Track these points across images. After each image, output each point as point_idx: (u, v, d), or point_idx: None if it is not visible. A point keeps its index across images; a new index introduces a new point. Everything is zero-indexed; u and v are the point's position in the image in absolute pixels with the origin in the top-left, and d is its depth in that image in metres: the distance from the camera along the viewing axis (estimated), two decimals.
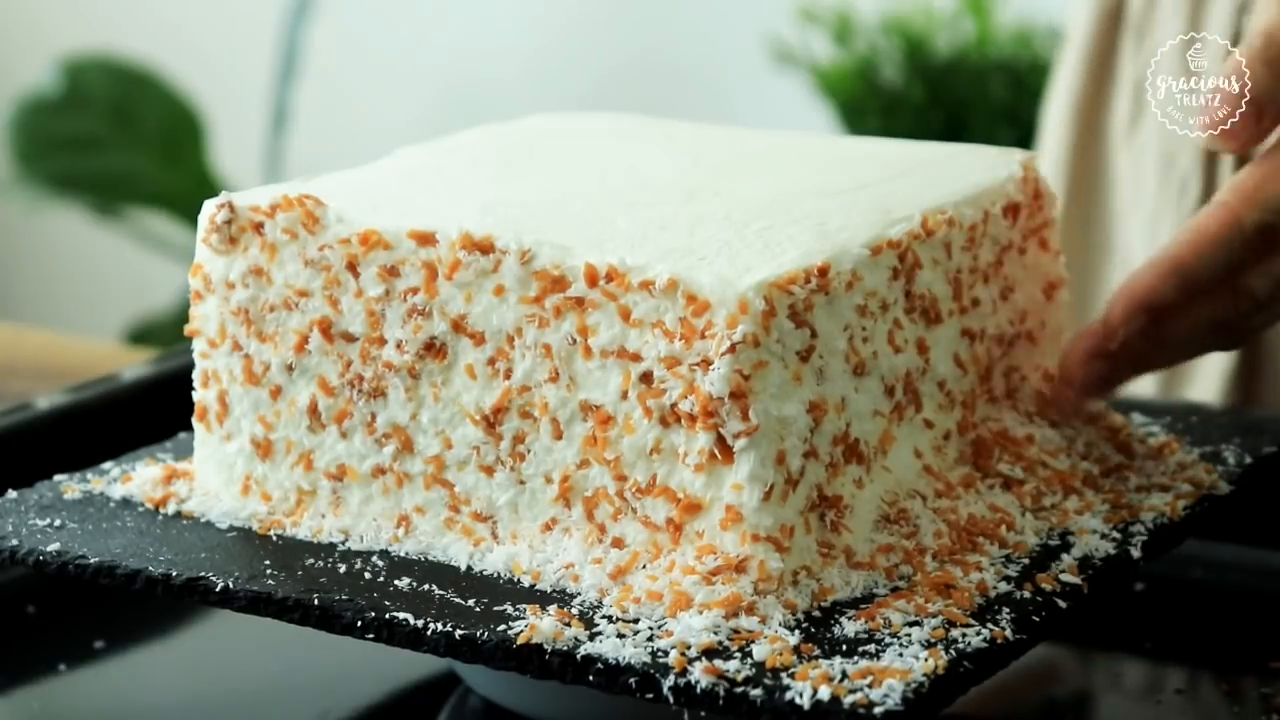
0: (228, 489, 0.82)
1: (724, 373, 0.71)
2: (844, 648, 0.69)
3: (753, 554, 0.72)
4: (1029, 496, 0.79)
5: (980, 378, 0.83)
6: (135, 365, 1.09)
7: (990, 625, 0.70)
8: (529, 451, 0.76)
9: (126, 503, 0.82)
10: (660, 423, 0.73)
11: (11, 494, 0.83)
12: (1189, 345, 0.83)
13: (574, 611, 0.72)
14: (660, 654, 0.68)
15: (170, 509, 0.82)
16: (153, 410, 0.97)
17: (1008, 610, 0.72)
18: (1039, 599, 0.73)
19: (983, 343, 0.83)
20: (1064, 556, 0.76)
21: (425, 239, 0.77)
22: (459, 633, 0.71)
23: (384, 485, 0.79)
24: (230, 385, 0.82)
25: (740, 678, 0.67)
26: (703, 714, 0.69)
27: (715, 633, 0.69)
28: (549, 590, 0.74)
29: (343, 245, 0.78)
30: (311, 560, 0.77)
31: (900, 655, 0.68)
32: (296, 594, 0.74)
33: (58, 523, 0.80)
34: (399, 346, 0.78)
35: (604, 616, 0.71)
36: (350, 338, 0.79)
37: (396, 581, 0.75)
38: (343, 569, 0.76)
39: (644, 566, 0.73)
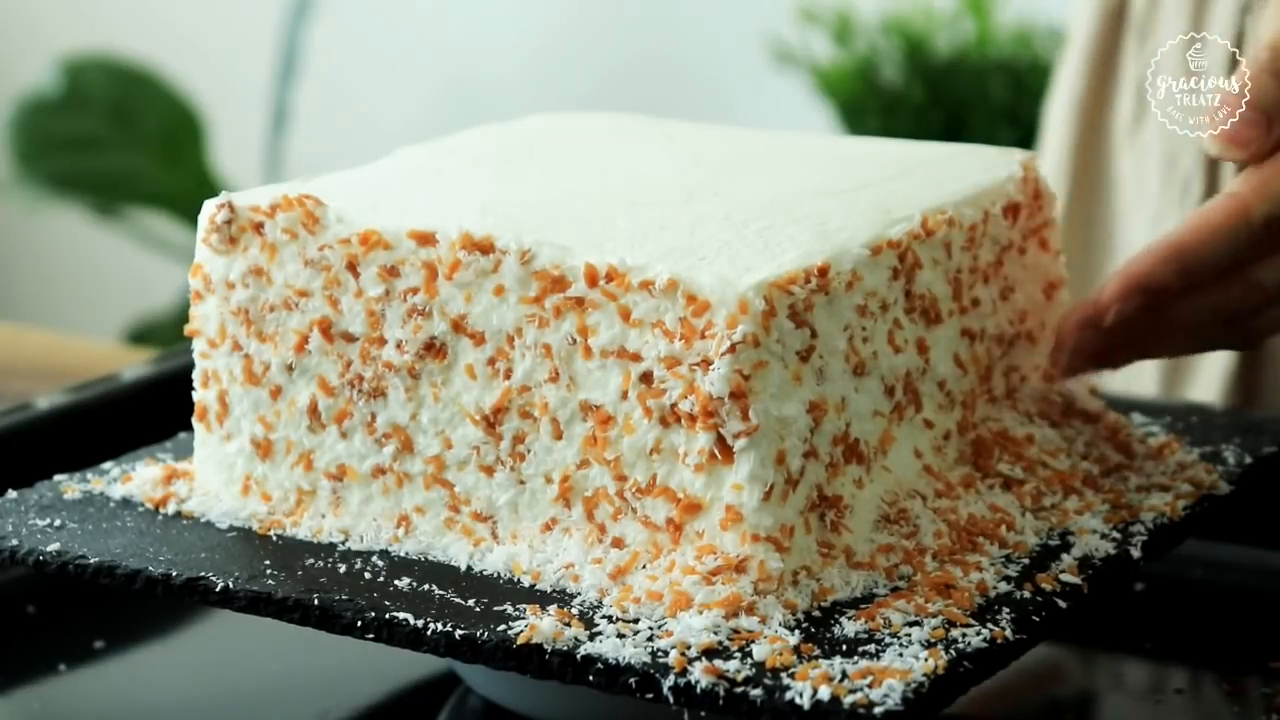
0: (228, 489, 0.82)
1: (724, 373, 0.71)
2: (844, 648, 0.69)
3: (753, 554, 0.72)
4: (1029, 496, 0.79)
5: (980, 378, 0.83)
6: (135, 365, 1.09)
7: (990, 625, 0.70)
8: (529, 451, 0.76)
9: (126, 503, 0.82)
10: (660, 423, 0.73)
11: (11, 494, 0.83)
12: (1195, 336, 0.83)
13: (574, 611, 0.72)
14: (660, 654, 0.68)
15: (170, 509, 0.82)
16: (153, 410, 0.97)
17: (1008, 610, 0.72)
18: (1039, 599, 0.73)
19: (983, 343, 0.83)
20: (1064, 556, 0.76)
21: (425, 239, 0.77)
22: (459, 633, 0.71)
23: (384, 485, 0.79)
24: (230, 385, 0.82)
25: (740, 678, 0.67)
26: (703, 714, 0.69)
27: (715, 633, 0.69)
28: (549, 590, 0.74)
29: (343, 245, 0.78)
30: (311, 560, 0.77)
31: (900, 655, 0.68)
32: (296, 594, 0.74)
33: (58, 523, 0.80)
34: (399, 346, 0.78)
35: (604, 616, 0.71)
36: (350, 338, 0.79)
37: (396, 581, 0.75)
38: (343, 569, 0.76)
39: (644, 566, 0.73)
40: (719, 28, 2.65)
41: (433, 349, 0.77)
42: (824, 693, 0.66)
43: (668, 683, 0.67)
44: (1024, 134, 2.11)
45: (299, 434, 0.80)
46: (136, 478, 0.83)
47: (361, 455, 0.79)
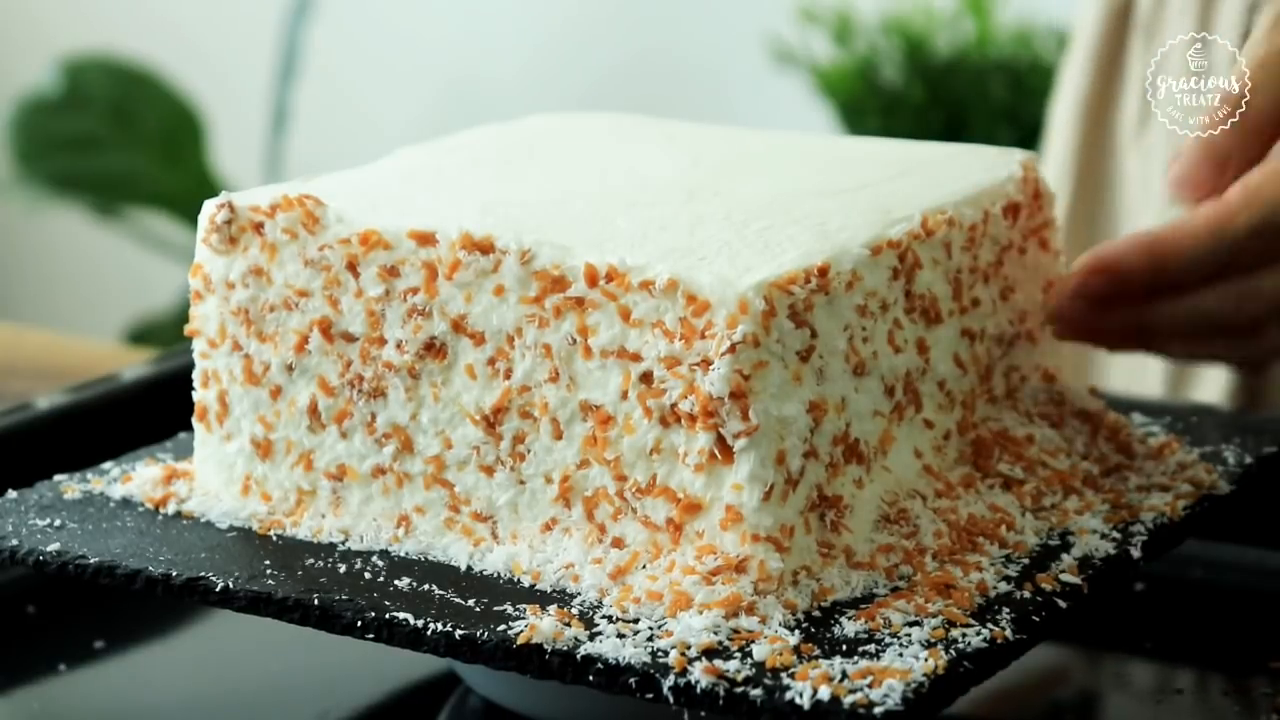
0: (228, 489, 0.82)
1: (724, 373, 0.71)
2: (844, 648, 0.69)
3: (753, 554, 0.72)
4: (1029, 496, 0.79)
5: (980, 378, 0.83)
6: (135, 365, 1.09)
7: (990, 625, 0.70)
8: (529, 451, 0.76)
9: (126, 503, 0.82)
10: (660, 423, 0.73)
11: (11, 494, 0.83)
12: (1191, 343, 0.82)
13: (574, 611, 0.72)
14: (660, 654, 0.68)
15: (170, 509, 0.82)
16: (153, 410, 0.97)
17: (1008, 610, 0.72)
18: (1039, 599, 0.73)
19: (983, 343, 0.83)
20: (1064, 556, 0.76)
21: (425, 239, 0.77)
22: (459, 633, 0.71)
23: (384, 485, 0.79)
24: (230, 385, 0.82)
25: (740, 678, 0.67)
26: (703, 714, 0.69)
27: (715, 633, 0.69)
28: (549, 590, 0.74)
29: (343, 245, 0.78)
30: (311, 560, 0.77)
31: (900, 655, 0.68)
32: (296, 594, 0.74)
33: (58, 523, 0.80)
34: (399, 346, 0.78)
35: (604, 616, 0.71)
36: (350, 338, 0.79)
37: (396, 581, 0.75)
38: (343, 569, 0.76)
39: (644, 566, 0.73)
40: (719, 28, 2.65)
41: (433, 349, 0.77)
42: (824, 693, 0.66)
43: (668, 683, 0.67)
44: (1024, 134, 2.12)
45: (299, 434, 0.80)
46: (136, 478, 0.83)
47: (361, 455, 0.79)
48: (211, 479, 0.82)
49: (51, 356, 1.36)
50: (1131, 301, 0.80)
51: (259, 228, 0.80)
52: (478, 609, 0.72)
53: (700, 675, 0.67)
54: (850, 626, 0.70)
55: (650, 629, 0.70)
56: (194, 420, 0.83)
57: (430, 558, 0.77)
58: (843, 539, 0.74)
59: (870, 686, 0.66)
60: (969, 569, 0.74)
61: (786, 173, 0.86)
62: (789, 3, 2.37)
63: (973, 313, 0.82)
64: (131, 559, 0.77)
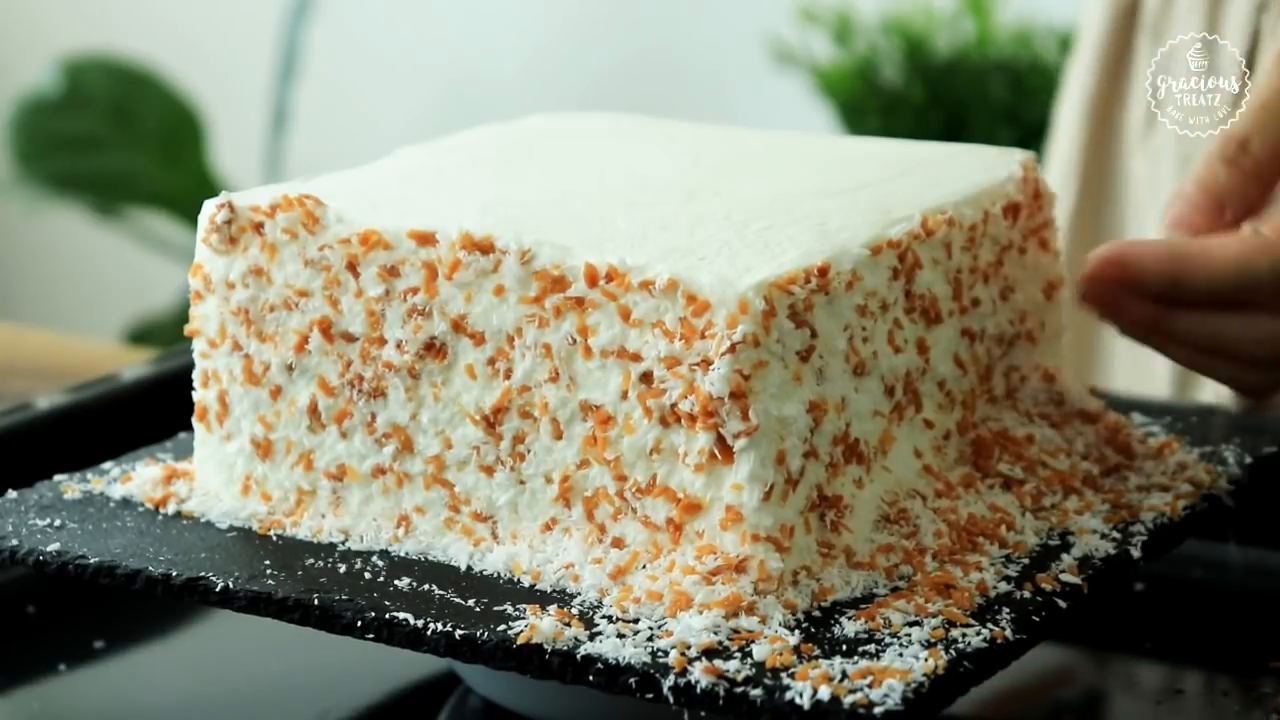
0: (228, 489, 0.82)
1: (724, 373, 0.71)
2: (844, 648, 0.69)
3: (753, 554, 0.72)
4: (1029, 496, 0.79)
5: (980, 378, 0.83)
6: (135, 365, 1.09)
7: (990, 625, 0.70)
8: (529, 451, 0.76)
9: (126, 503, 0.82)
10: (660, 423, 0.73)
11: (11, 494, 0.83)
12: (1192, 354, 0.81)
13: (574, 611, 0.72)
14: (660, 654, 0.68)
15: (170, 509, 0.82)
16: (153, 410, 0.97)
17: (1008, 610, 0.72)
18: (1039, 599, 0.73)
19: (983, 343, 0.83)
20: (1064, 556, 0.76)
21: (425, 239, 0.77)
22: (459, 633, 0.71)
23: (384, 485, 0.79)
24: (230, 385, 0.82)
25: (740, 678, 0.67)
26: (703, 714, 0.69)
27: (715, 633, 0.69)
28: (549, 590, 0.74)
29: (343, 245, 0.78)
30: (311, 560, 0.77)
31: (900, 655, 0.68)
32: (296, 594, 0.74)
33: (58, 523, 0.80)
34: (399, 346, 0.78)
35: (604, 616, 0.71)
36: (350, 338, 0.79)
37: (396, 581, 0.75)
38: (343, 569, 0.76)
39: (644, 566, 0.73)
40: (719, 28, 2.65)
41: (433, 349, 0.77)
42: (824, 693, 0.66)
43: (668, 683, 0.67)
44: (1024, 134, 2.11)
45: (299, 434, 0.80)
46: (136, 478, 0.83)
47: (361, 455, 0.79)
48: (211, 479, 0.82)
49: (51, 356, 1.36)
50: (1145, 299, 0.80)
51: (259, 228, 0.80)
52: (478, 609, 0.72)
53: (700, 675, 0.67)
54: (850, 626, 0.70)
55: (650, 629, 0.70)
56: (194, 420, 0.83)
57: (430, 558, 0.77)
58: (843, 539, 0.74)
59: (870, 686, 0.66)
60: (969, 569, 0.74)
61: (786, 173, 0.86)
62: (789, 3, 2.37)
63: (973, 313, 0.82)
64: (131, 559, 0.77)
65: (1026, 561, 0.75)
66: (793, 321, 0.72)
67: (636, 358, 0.73)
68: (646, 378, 0.73)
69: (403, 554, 0.78)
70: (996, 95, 2.20)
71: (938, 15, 2.26)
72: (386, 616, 0.72)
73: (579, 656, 0.69)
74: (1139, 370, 1.15)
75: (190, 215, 2.14)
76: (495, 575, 0.75)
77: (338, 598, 0.73)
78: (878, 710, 0.65)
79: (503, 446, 0.76)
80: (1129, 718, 0.87)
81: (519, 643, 0.69)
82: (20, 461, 0.93)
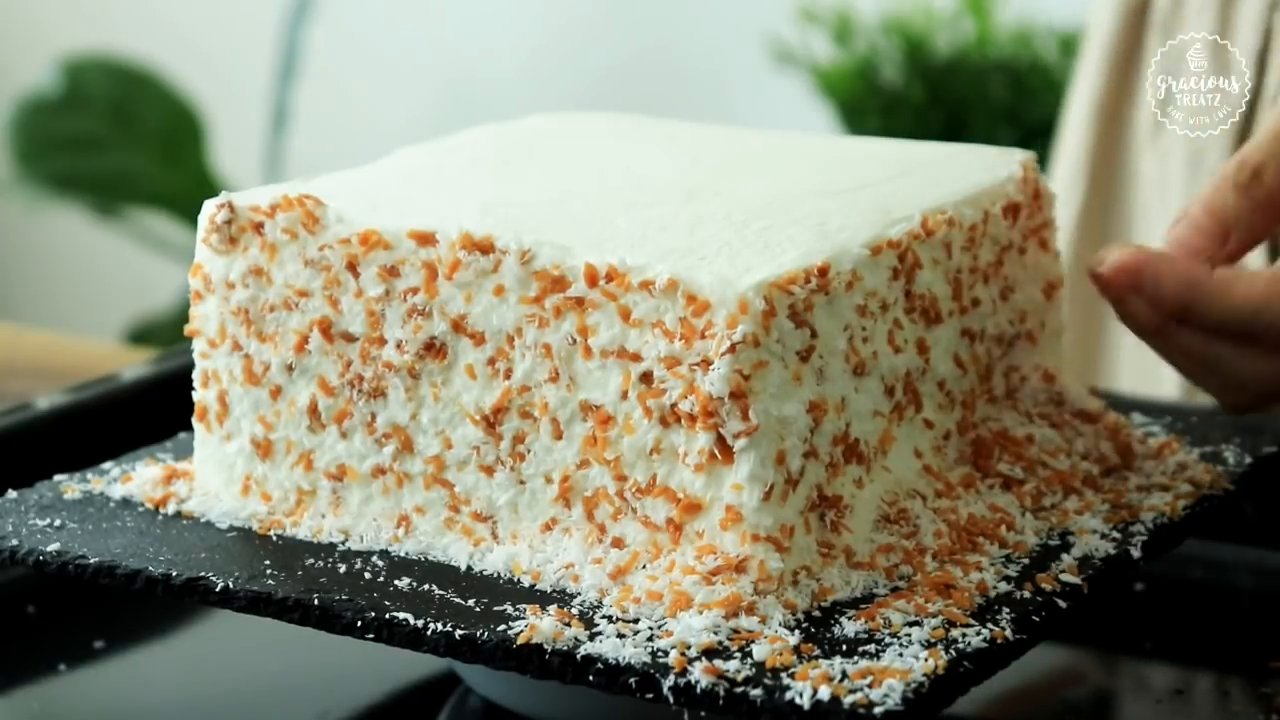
0: (228, 489, 0.82)
1: (724, 373, 0.71)
2: (844, 648, 0.69)
3: (753, 554, 0.72)
4: (1029, 496, 0.79)
5: (980, 378, 0.83)
6: (135, 365, 1.09)
7: (990, 625, 0.70)
8: (529, 451, 0.76)
9: (126, 503, 0.82)
10: (660, 423, 0.73)
11: (11, 494, 0.83)
12: (1190, 366, 0.80)
13: (574, 611, 0.72)
14: (660, 654, 0.68)
15: (170, 509, 0.82)
16: (153, 410, 0.97)
17: (1008, 610, 0.72)
18: (1039, 599, 0.73)
19: (983, 343, 0.83)
20: (1064, 556, 0.76)
21: (425, 239, 0.77)
22: (459, 633, 0.71)
23: (384, 485, 0.79)
24: (230, 385, 0.82)
25: (740, 678, 0.67)
26: (703, 714, 0.69)
27: (715, 633, 0.69)
28: (549, 590, 0.74)
29: (343, 245, 0.78)
30: (311, 560, 0.77)
31: (900, 655, 0.68)
32: (296, 594, 0.74)
33: (58, 523, 0.80)
34: (399, 346, 0.78)
35: (604, 616, 0.71)
36: (350, 338, 0.79)
37: (396, 581, 0.75)
38: (343, 569, 0.76)
39: (644, 566, 0.73)
40: (719, 28, 2.65)
41: (433, 349, 0.77)
42: (824, 693, 0.66)
43: (668, 683, 0.67)
44: (1024, 134, 2.11)
45: (299, 434, 0.80)
46: (136, 478, 0.83)
47: (361, 455, 0.79)
48: (211, 479, 0.82)
49: (51, 356, 1.36)
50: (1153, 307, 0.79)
51: (259, 228, 0.80)
52: (478, 609, 0.72)
53: (700, 675, 0.67)
54: (850, 626, 0.70)
55: (650, 629, 0.70)
56: (194, 420, 0.83)
57: (430, 558, 0.77)
58: (843, 539, 0.74)
59: (870, 686, 0.66)
60: (969, 569, 0.74)
61: (786, 173, 0.86)
62: (789, 3, 2.37)
63: (973, 313, 0.82)
64: (131, 559, 0.77)
65: (1026, 561, 0.75)
66: (793, 321, 0.72)
67: (636, 358, 0.73)
68: (646, 378, 0.73)
69: (403, 554, 0.78)
70: (996, 95, 2.20)
71: (938, 15, 2.26)
72: (386, 616, 0.72)
73: (579, 656, 0.69)
74: (1146, 371, 1.15)
75: (190, 215, 2.15)
76: (495, 575, 0.75)
77: (338, 598, 0.73)
78: (878, 710, 0.65)
79: (503, 446, 0.76)
80: (1129, 718, 0.87)
81: (519, 643, 0.69)
82: (20, 461, 0.93)
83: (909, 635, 0.69)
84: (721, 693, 0.66)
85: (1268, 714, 0.82)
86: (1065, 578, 0.74)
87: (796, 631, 0.70)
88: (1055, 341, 0.88)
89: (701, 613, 0.70)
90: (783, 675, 0.67)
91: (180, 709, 0.86)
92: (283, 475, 0.81)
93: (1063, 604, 0.73)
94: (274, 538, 0.79)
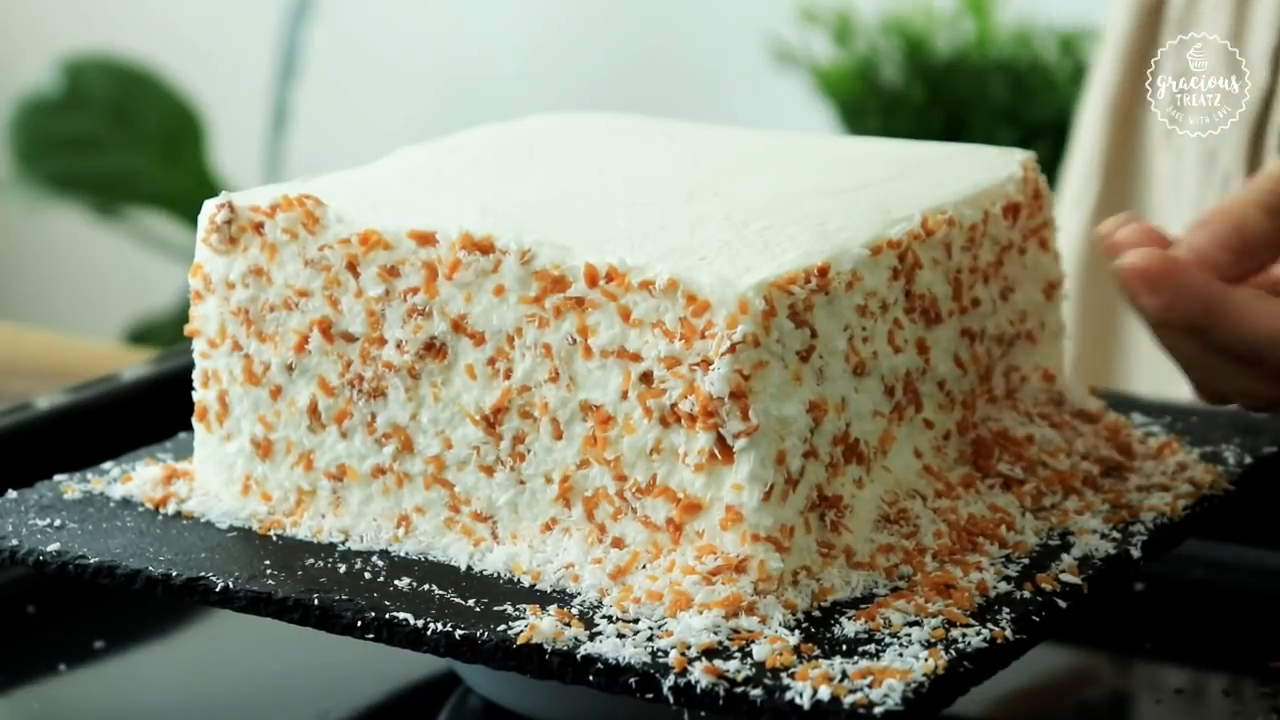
0: (228, 489, 0.82)
1: (724, 373, 0.71)
2: (844, 648, 0.69)
3: (753, 554, 0.72)
4: (1029, 496, 0.79)
5: (980, 378, 0.83)
6: (135, 365, 1.09)
7: (990, 625, 0.70)
8: (529, 451, 0.76)
9: (126, 503, 0.82)
10: (660, 423, 0.73)
11: (11, 494, 0.83)
12: (1189, 366, 0.80)
13: (574, 611, 0.72)
14: (660, 654, 0.68)
15: (170, 509, 0.82)
16: (153, 410, 0.97)
17: (1008, 610, 0.72)
18: (1039, 599, 0.73)
19: (983, 343, 0.83)
20: (1064, 556, 0.76)
21: (425, 239, 0.77)
22: (459, 633, 0.71)
23: (384, 485, 0.79)
24: (230, 385, 0.82)
25: (740, 678, 0.67)
26: (703, 714, 0.69)
27: (715, 633, 0.69)
28: (549, 590, 0.74)
29: (343, 245, 0.78)
30: (311, 560, 0.77)
31: (900, 655, 0.68)
32: (296, 594, 0.74)
33: (58, 523, 0.80)
34: (399, 346, 0.78)
35: (604, 616, 0.71)
36: (350, 338, 0.79)
37: (396, 581, 0.75)
38: (343, 569, 0.76)
39: (644, 566, 0.73)
40: (719, 28, 2.65)
41: (433, 349, 0.77)
42: (824, 693, 0.66)
43: (668, 683, 0.67)
44: (1024, 134, 2.11)
45: (299, 434, 0.80)
46: (136, 478, 0.83)
47: (361, 455, 0.79)
48: (211, 479, 0.82)
49: (51, 356, 1.36)
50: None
51: (259, 228, 0.80)
52: (478, 609, 0.72)
53: (700, 675, 0.67)
54: (850, 626, 0.70)
55: (650, 629, 0.70)
56: (194, 420, 0.83)
57: (430, 558, 0.77)
58: (843, 539, 0.74)
59: (870, 686, 0.66)
60: (969, 569, 0.74)
61: (786, 173, 0.86)
62: (789, 3, 2.37)
63: (973, 313, 0.82)
64: (131, 559, 0.77)
65: (1026, 561, 0.75)
66: (793, 321, 0.72)
67: (636, 358, 0.73)
68: (646, 378, 0.73)
69: (403, 554, 0.78)
70: (996, 95, 2.20)
71: (938, 15, 2.26)
72: (386, 616, 0.72)
73: (579, 656, 0.69)
74: (1163, 371, 1.15)
75: (190, 215, 2.15)
76: (495, 575, 0.75)
77: (338, 598, 0.73)
78: (878, 710, 0.65)
79: (503, 446, 0.76)
80: (1128, 718, 0.87)
81: (519, 643, 0.69)
82: (20, 461, 0.93)
83: (909, 635, 0.69)
84: (721, 693, 0.66)
85: (1267, 714, 0.82)
86: (1065, 578, 0.74)
87: (796, 631, 0.70)
88: (1055, 341, 0.88)
89: (701, 613, 0.70)
90: (783, 675, 0.67)
91: (180, 709, 0.86)
92: (283, 475, 0.81)
93: (1063, 604, 0.73)
94: (274, 538, 0.79)
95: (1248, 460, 0.86)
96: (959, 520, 0.77)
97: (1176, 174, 1.15)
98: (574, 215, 0.78)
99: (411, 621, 0.71)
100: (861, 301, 0.75)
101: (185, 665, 0.90)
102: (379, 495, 0.79)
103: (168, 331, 2.48)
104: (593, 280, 0.74)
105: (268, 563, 0.77)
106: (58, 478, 0.85)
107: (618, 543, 0.74)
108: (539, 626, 0.70)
